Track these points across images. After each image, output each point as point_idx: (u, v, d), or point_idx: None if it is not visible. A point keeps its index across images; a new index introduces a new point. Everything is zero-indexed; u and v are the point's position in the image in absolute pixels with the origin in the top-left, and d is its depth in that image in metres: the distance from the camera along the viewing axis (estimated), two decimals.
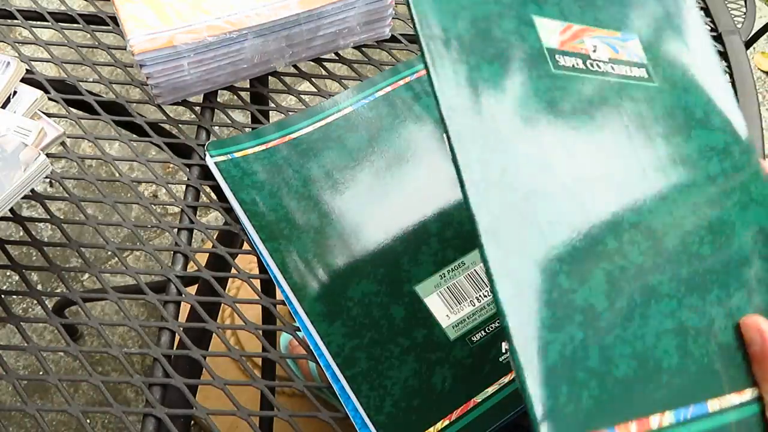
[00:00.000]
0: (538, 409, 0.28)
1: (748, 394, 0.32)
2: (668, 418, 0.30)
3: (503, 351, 0.43)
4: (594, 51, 0.39)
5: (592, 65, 0.38)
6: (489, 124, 0.33)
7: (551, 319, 0.29)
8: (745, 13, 1.24)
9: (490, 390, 0.41)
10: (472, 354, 0.42)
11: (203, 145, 0.52)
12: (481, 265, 0.45)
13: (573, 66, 0.37)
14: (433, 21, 0.35)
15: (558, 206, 0.32)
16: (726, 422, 0.31)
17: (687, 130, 0.39)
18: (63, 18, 0.58)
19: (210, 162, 0.49)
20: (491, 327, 0.43)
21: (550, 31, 0.38)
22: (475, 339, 0.43)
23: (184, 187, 0.50)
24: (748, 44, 1.29)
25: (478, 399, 0.41)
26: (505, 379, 0.42)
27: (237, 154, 0.49)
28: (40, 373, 0.43)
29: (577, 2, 0.40)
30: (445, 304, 0.44)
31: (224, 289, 0.46)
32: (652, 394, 0.30)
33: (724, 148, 0.39)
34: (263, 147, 0.50)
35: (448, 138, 0.32)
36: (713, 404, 0.31)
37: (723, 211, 0.37)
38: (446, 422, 0.40)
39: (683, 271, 0.34)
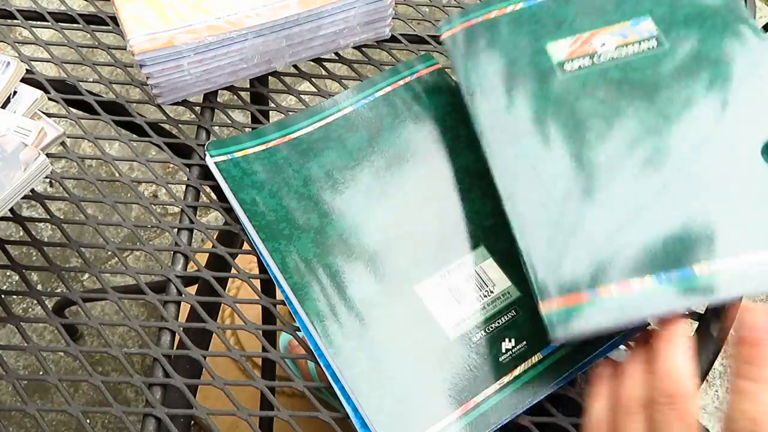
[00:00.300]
0: (539, 268, 0.40)
1: (752, 256, 0.38)
2: (649, 280, 0.38)
3: (503, 351, 0.43)
4: (602, 45, 0.47)
5: (598, 58, 0.47)
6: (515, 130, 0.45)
7: (546, 230, 0.41)
8: None
9: (490, 390, 0.41)
10: (472, 354, 0.42)
11: (203, 145, 0.52)
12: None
13: (580, 66, 0.47)
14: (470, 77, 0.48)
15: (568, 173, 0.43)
16: (710, 281, 0.38)
17: (696, 72, 0.45)
18: (63, 18, 0.58)
19: (210, 162, 0.49)
20: (491, 327, 0.43)
21: (561, 49, 0.48)
22: (475, 339, 0.43)
23: (184, 187, 0.50)
24: None
25: (478, 399, 0.41)
26: (506, 379, 0.42)
27: (237, 154, 0.49)
28: (40, 373, 0.43)
29: (586, 16, 0.49)
30: (445, 304, 0.44)
31: (224, 289, 0.46)
32: (635, 263, 0.39)
33: (736, 81, 0.44)
34: (263, 147, 0.50)
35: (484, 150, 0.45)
36: (700, 268, 0.38)
37: (724, 136, 0.42)
38: (446, 422, 0.40)
39: (673, 189, 0.41)
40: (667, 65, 0.45)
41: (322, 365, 0.42)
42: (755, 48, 0.45)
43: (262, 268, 0.47)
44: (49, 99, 0.50)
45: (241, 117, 1.34)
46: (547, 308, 0.39)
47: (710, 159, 0.42)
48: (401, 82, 0.54)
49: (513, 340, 0.43)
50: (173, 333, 0.44)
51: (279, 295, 0.45)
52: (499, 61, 0.48)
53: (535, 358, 0.42)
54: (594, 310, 0.38)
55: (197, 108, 0.54)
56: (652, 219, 0.40)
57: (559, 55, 0.47)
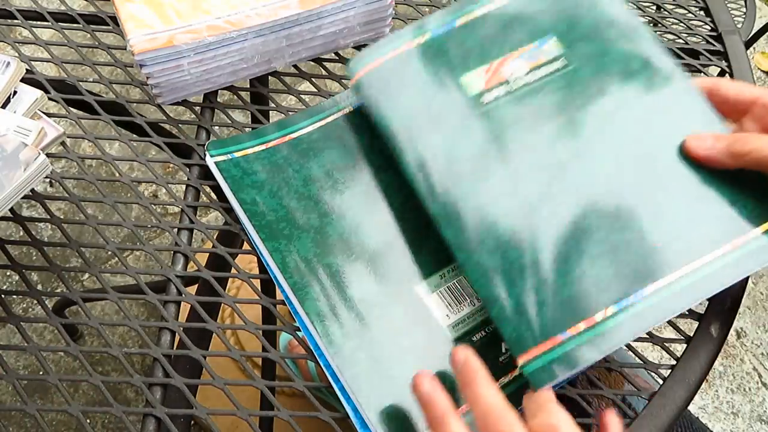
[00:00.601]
0: (511, 335, 0.40)
1: (686, 269, 0.40)
2: (611, 309, 0.40)
3: (503, 351, 0.43)
4: (513, 72, 0.47)
5: (513, 86, 0.46)
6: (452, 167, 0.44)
7: (507, 282, 0.41)
8: (745, 13, 1.24)
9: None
10: None
11: (203, 145, 0.52)
12: None
13: (497, 96, 0.46)
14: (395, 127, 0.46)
15: (510, 216, 0.42)
16: (664, 297, 0.40)
17: (606, 88, 0.46)
18: (63, 18, 0.58)
19: (210, 162, 0.49)
20: (491, 327, 0.43)
21: (476, 80, 0.47)
22: (474, 339, 0.43)
23: (184, 187, 0.50)
24: (748, 44, 1.29)
25: None
26: (505, 380, 0.42)
27: (237, 154, 0.49)
28: (40, 373, 0.43)
29: (495, 41, 0.48)
30: (445, 304, 0.44)
31: (224, 289, 0.46)
32: (594, 298, 0.40)
33: (644, 89, 0.45)
34: (263, 147, 0.50)
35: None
36: (650, 288, 0.40)
37: (646, 143, 0.44)
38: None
39: (610, 207, 0.42)
40: (575, 84, 0.46)
41: (322, 365, 0.42)
42: (653, 53, 0.46)
43: (262, 268, 0.47)
44: (49, 99, 0.50)
45: (241, 117, 1.34)
46: (525, 360, 0.39)
47: (638, 178, 0.43)
48: None
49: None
50: (173, 333, 0.44)
51: (279, 295, 0.45)
52: (418, 103, 0.46)
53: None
54: (570, 351, 0.39)
55: (197, 108, 0.54)
56: (600, 251, 0.41)
57: (475, 88, 0.46)
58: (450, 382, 0.41)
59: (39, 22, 0.58)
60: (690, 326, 0.46)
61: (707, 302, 0.47)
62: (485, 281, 0.41)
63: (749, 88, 0.44)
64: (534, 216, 0.42)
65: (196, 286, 0.51)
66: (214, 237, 0.49)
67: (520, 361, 0.39)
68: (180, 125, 0.53)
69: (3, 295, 0.46)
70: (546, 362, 0.38)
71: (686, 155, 0.42)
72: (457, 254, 0.42)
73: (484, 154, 0.44)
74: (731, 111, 0.45)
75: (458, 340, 0.43)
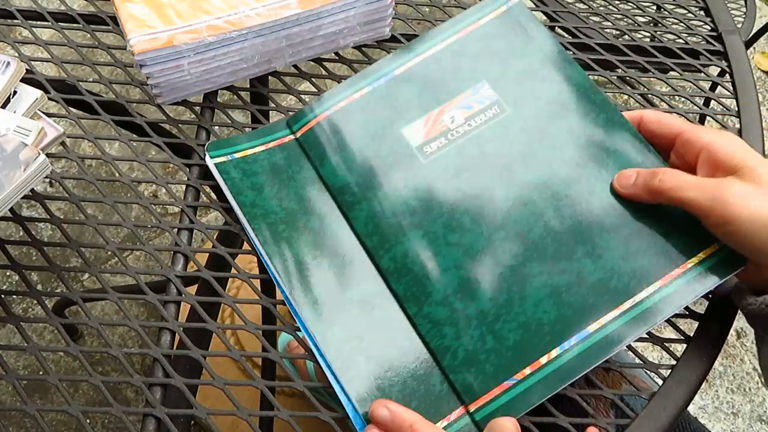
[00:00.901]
0: (461, 383, 0.41)
1: (626, 305, 0.41)
2: (555, 352, 0.41)
3: None
4: (452, 121, 0.48)
5: (452, 136, 0.48)
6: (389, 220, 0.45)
7: (455, 332, 0.42)
8: (745, 13, 1.24)
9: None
10: None
11: (203, 145, 0.52)
12: None
13: (438, 147, 0.47)
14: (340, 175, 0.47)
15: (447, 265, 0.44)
16: (607, 333, 0.41)
17: (541, 131, 0.47)
18: (63, 18, 0.58)
19: (210, 162, 0.49)
20: None
21: (416, 131, 0.48)
22: None
23: (184, 187, 0.50)
24: (748, 44, 1.29)
25: (479, 402, 0.41)
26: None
27: (237, 155, 0.49)
28: (40, 373, 0.43)
29: (431, 92, 0.49)
30: None
31: (224, 289, 0.46)
32: (539, 343, 0.41)
33: (577, 127, 0.47)
34: (263, 147, 0.50)
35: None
36: (593, 326, 0.41)
37: (582, 182, 0.45)
38: (444, 423, 0.40)
39: (549, 250, 0.43)
40: (512, 129, 0.47)
41: (322, 365, 0.42)
42: (585, 90, 0.48)
43: (262, 268, 0.47)
44: (49, 99, 0.50)
45: (241, 117, 1.34)
46: (475, 407, 0.40)
47: (575, 219, 0.44)
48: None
49: None
50: (173, 333, 0.44)
51: (279, 295, 0.45)
52: (363, 158, 0.47)
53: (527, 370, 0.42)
54: (518, 395, 0.40)
55: (197, 108, 0.54)
56: (542, 295, 0.42)
57: (416, 139, 0.48)
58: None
59: (39, 22, 0.58)
60: (690, 326, 0.46)
61: (707, 302, 0.47)
62: (435, 333, 0.42)
63: (673, 121, 0.44)
64: (478, 266, 0.43)
65: (196, 286, 0.51)
66: (214, 237, 0.49)
67: (471, 408, 0.40)
68: (180, 125, 0.53)
69: (3, 295, 0.46)
70: (495, 408, 0.40)
71: (625, 204, 0.44)
72: (407, 307, 0.43)
73: (429, 207, 0.45)
74: (660, 143, 0.45)
75: None
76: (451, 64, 0.50)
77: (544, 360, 0.41)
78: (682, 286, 0.42)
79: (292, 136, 0.50)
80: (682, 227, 0.42)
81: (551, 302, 0.42)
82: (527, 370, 0.41)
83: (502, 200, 0.45)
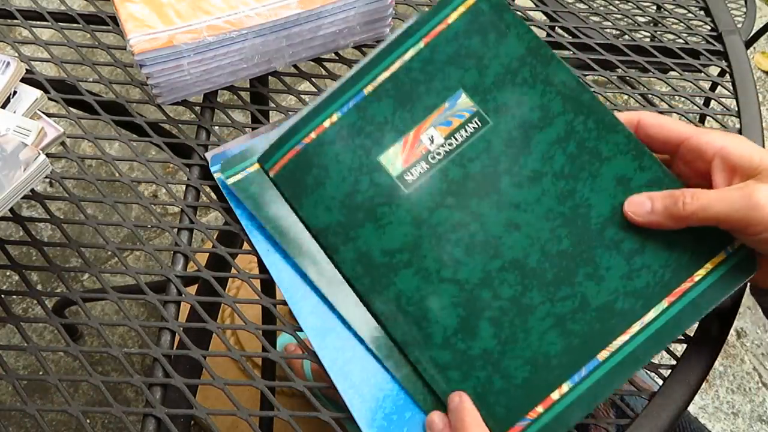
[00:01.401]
0: None
1: (636, 328, 0.39)
2: (566, 386, 0.39)
3: None
4: (431, 142, 0.44)
5: (433, 158, 0.43)
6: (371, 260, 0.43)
7: (461, 376, 0.40)
8: (745, 13, 1.24)
9: None
10: None
11: (203, 145, 0.52)
12: None
13: (420, 173, 0.43)
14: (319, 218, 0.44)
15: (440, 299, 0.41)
16: (619, 360, 0.39)
17: (527, 142, 0.43)
18: (63, 18, 0.58)
19: (222, 181, 0.48)
20: None
21: (394, 158, 0.44)
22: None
23: (184, 187, 0.50)
24: (748, 44, 1.29)
25: None
26: None
27: (250, 169, 0.47)
28: (40, 373, 0.43)
29: (405, 110, 0.44)
30: None
31: (224, 289, 0.46)
32: (547, 377, 0.39)
33: (565, 133, 0.42)
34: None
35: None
36: (603, 354, 0.39)
37: (576, 196, 0.41)
38: None
39: (549, 276, 0.41)
40: (496, 143, 0.43)
41: (325, 368, 0.42)
42: (570, 89, 0.43)
43: (262, 268, 0.47)
44: (49, 99, 0.50)
45: (241, 117, 1.34)
46: None
47: (572, 239, 0.41)
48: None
49: None
50: (173, 333, 0.44)
51: (279, 295, 0.45)
52: (340, 192, 0.44)
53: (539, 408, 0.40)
54: None
55: (197, 108, 0.54)
56: (546, 326, 0.40)
57: (395, 167, 0.43)
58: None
59: (39, 22, 0.58)
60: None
61: None
62: (440, 378, 0.40)
63: (676, 127, 0.41)
64: (477, 301, 0.41)
65: (196, 286, 0.51)
66: (214, 237, 0.49)
67: None
68: (180, 125, 0.53)
69: (3, 295, 0.46)
70: None
71: (624, 216, 0.40)
72: (408, 352, 0.41)
73: (417, 242, 0.42)
74: (659, 148, 0.41)
75: None
76: (422, 75, 0.44)
77: (555, 396, 0.38)
78: (694, 299, 0.39)
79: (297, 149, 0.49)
80: (687, 237, 0.39)
81: (557, 332, 0.39)
82: (540, 408, 0.38)
83: (493, 225, 0.42)
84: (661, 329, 0.39)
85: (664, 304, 0.39)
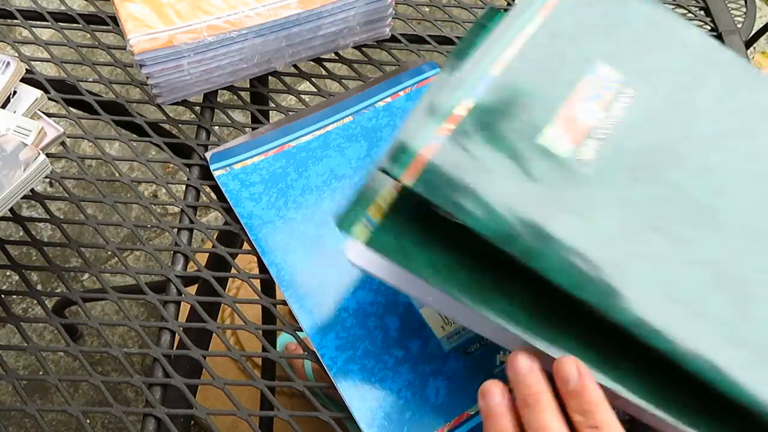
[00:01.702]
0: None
1: None
2: None
3: (497, 363, 0.43)
4: (590, 118, 0.37)
5: (600, 135, 0.37)
6: None
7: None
8: (745, 13, 1.24)
9: None
10: (467, 366, 0.42)
11: (203, 145, 0.52)
12: None
13: (595, 151, 0.36)
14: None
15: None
16: None
17: (689, 104, 0.39)
18: (63, 18, 0.58)
19: (213, 173, 0.49)
20: (487, 339, 0.43)
21: (557, 139, 0.36)
22: (470, 351, 0.43)
23: (184, 187, 0.50)
24: (748, 44, 1.29)
25: (471, 411, 0.41)
26: None
27: (236, 166, 0.49)
28: (40, 373, 0.43)
29: (545, 88, 0.38)
30: (441, 315, 0.44)
31: (224, 289, 0.46)
32: None
33: (722, 91, 0.39)
34: (262, 156, 0.50)
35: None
36: None
37: (763, 153, 0.38)
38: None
39: None
40: (654, 106, 0.38)
41: (326, 367, 0.42)
42: (708, 46, 0.40)
43: (262, 268, 0.47)
44: (49, 99, 0.50)
45: (241, 117, 1.34)
46: None
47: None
48: (402, 93, 0.54)
49: (508, 352, 0.43)
50: (173, 333, 0.44)
51: (279, 295, 0.45)
52: (512, 187, 0.35)
53: None
54: None
55: (197, 108, 0.54)
56: None
57: (563, 148, 0.36)
58: (447, 393, 0.41)
59: (39, 22, 0.58)
60: None
61: None
62: (710, 358, 0.32)
63: None
64: (733, 279, 0.34)
65: (196, 286, 0.51)
66: (214, 237, 0.49)
67: None
68: (180, 125, 0.53)
69: (3, 295, 0.46)
70: None
71: None
72: (661, 347, 0.32)
73: (634, 226, 0.35)
74: None
75: (453, 351, 0.43)
76: (552, 48, 0.39)
77: None
78: None
79: (290, 144, 0.50)
80: None
81: None
82: None
83: (701, 194, 0.36)
84: None
85: None
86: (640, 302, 0.32)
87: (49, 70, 0.55)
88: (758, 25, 1.29)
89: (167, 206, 1.17)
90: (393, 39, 0.59)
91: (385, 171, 0.34)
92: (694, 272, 0.34)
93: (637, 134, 0.37)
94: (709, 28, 0.65)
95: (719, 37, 0.64)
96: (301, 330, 0.44)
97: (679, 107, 0.38)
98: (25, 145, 0.42)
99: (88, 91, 0.54)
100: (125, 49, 0.50)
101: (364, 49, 0.58)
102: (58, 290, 1.19)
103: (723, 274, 0.34)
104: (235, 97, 0.55)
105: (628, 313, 0.32)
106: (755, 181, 0.37)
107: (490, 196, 0.34)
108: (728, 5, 0.97)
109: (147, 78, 0.50)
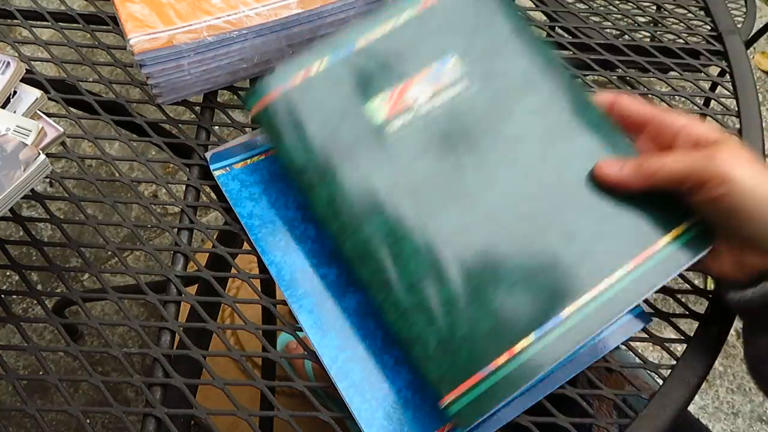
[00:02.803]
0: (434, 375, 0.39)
1: (601, 286, 0.40)
2: (531, 337, 0.39)
3: None
4: (417, 97, 0.45)
5: (418, 112, 0.45)
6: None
7: (425, 320, 0.40)
8: (745, 13, 1.24)
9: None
10: None
11: (203, 145, 0.52)
12: None
13: (403, 124, 0.44)
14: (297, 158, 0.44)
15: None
16: (582, 317, 0.40)
17: (510, 107, 0.45)
18: (63, 18, 0.58)
19: (213, 173, 0.49)
20: None
21: (379, 108, 0.45)
22: None
23: (184, 187, 0.50)
24: (748, 44, 1.29)
25: None
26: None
27: (236, 166, 0.49)
28: (40, 373, 0.43)
29: (394, 66, 0.46)
30: None
31: (224, 289, 0.46)
32: (512, 329, 0.39)
33: (546, 104, 0.45)
34: (262, 156, 0.50)
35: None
36: (567, 311, 0.40)
37: (552, 161, 0.43)
38: None
39: (522, 232, 0.42)
40: (479, 104, 0.45)
41: (326, 366, 0.42)
42: (554, 69, 0.46)
43: (263, 268, 0.47)
44: (49, 99, 0.50)
45: (241, 117, 1.34)
46: (449, 400, 0.38)
47: (546, 200, 0.42)
48: None
49: None
50: (173, 333, 0.44)
51: (279, 295, 0.45)
52: (323, 136, 0.44)
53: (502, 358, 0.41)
54: (494, 386, 0.38)
55: (197, 108, 0.54)
56: (515, 278, 0.40)
57: (379, 116, 0.45)
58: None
59: (39, 22, 0.58)
60: (690, 326, 0.46)
61: (707, 302, 0.47)
62: (404, 322, 0.40)
63: (643, 106, 0.44)
64: (448, 249, 0.41)
65: (196, 286, 0.51)
66: (214, 237, 0.49)
67: (445, 401, 0.38)
68: (180, 125, 0.53)
69: (3, 295, 0.46)
70: (470, 400, 0.38)
71: (596, 179, 0.42)
72: (373, 294, 0.41)
73: (394, 189, 0.43)
74: (630, 127, 0.45)
75: None
76: (414, 38, 0.46)
77: (519, 347, 0.39)
78: (656, 266, 0.41)
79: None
80: (652, 207, 0.42)
81: (525, 286, 0.40)
82: (502, 359, 0.39)
83: (472, 180, 0.43)
84: (622, 291, 0.40)
85: (630, 266, 0.41)
86: (356, 243, 0.42)
87: (49, 70, 0.55)
88: (758, 25, 1.29)
89: (167, 206, 1.17)
90: None
91: (243, 101, 0.47)
92: (414, 236, 0.41)
93: (450, 120, 0.44)
94: (709, 28, 0.65)
95: (719, 37, 0.64)
96: (301, 330, 0.44)
97: (497, 107, 0.45)
98: (25, 145, 0.42)
99: (88, 91, 0.54)
100: (125, 49, 0.50)
101: None
102: (58, 290, 1.18)
103: (437, 243, 0.41)
104: (235, 97, 0.55)
105: (347, 246, 0.42)
106: (529, 184, 0.43)
107: (300, 138, 0.44)
108: (728, 5, 0.97)
109: (147, 78, 0.50)
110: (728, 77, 0.61)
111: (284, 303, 0.45)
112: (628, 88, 0.60)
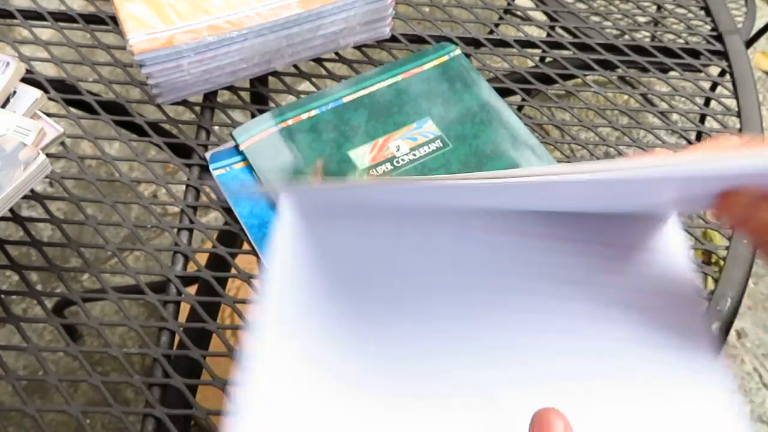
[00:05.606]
0: None
1: None
2: None
3: None
4: (398, 150, 0.50)
5: (397, 162, 0.50)
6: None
7: None
8: (745, 13, 1.24)
9: None
10: None
11: (203, 145, 0.52)
12: None
13: (383, 172, 0.49)
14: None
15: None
16: None
17: (479, 167, 0.50)
18: (63, 18, 0.58)
19: (213, 173, 0.49)
20: None
21: (363, 155, 0.50)
22: None
23: (184, 187, 0.50)
24: (748, 44, 1.29)
25: None
26: None
27: (235, 166, 0.49)
28: (40, 373, 0.43)
29: (377, 121, 0.52)
30: None
31: (224, 289, 0.46)
32: None
33: (512, 166, 0.49)
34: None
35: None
36: None
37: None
38: None
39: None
40: (454, 162, 0.50)
41: None
42: (521, 134, 0.51)
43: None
44: (49, 99, 0.50)
45: (241, 117, 1.34)
46: None
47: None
48: (389, 81, 0.54)
49: None
50: (173, 333, 0.44)
51: None
52: (307, 173, 0.48)
53: None
54: None
55: (197, 108, 0.54)
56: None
57: (362, 162, 0.49)
58: None
59: (39, 22, 0.58)
60: None
61: (707, 302, 0.47)
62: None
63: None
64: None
65: (196, 286, 0.51)
66: (214, 237, 0.49)
67: None
68: (180, 125, 0.53)
69: (3, 295, 0.46)
70: None
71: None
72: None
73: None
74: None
75: None
76: (397, 99, 0.53)
77: None
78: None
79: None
80: None
81: None
82: None
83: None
84: None
85: None
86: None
87: (49, 70, 0.55)
88: (758, 25, 1.29)
89: (167, 206, 1.17)
90: (393, 39, 0.59)
91: (233, 137, 0.50)
92: None
93: (426, 171, 0.49)
94: (710, 28, 0.65)
95: (719, 37, 0.64)
96: None
97: (470, 165, 0.50)
98: (25, 145, 0.42)
99: (87, 91, 0.54)
100: (125, 49, 0.50)
101: (364, 49, 0.58)
102: (58, 290, 1.18)
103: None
104: (235, 97, 0.55)
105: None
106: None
107: (287, 172, 0.48)
108: (728, 5, 0.97)
109: (147, 78, 0.50)
110: (728, 77, 0.61)
111: None
112: (629, 87, 0.60)
